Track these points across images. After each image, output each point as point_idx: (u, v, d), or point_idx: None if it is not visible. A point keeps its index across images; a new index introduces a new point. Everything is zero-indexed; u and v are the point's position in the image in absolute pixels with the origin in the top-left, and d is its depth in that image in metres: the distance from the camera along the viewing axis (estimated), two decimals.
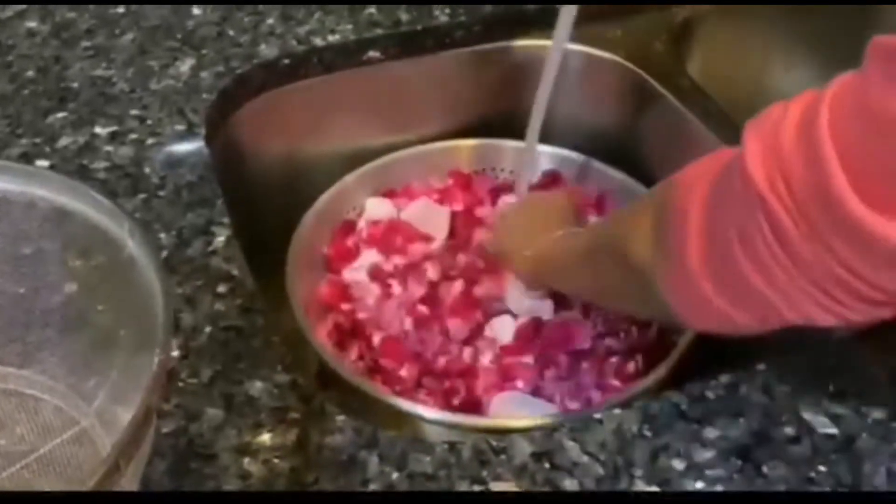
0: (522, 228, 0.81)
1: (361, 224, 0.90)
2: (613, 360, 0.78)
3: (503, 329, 0.80)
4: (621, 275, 0.60)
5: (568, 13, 0.74)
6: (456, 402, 0.75)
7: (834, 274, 0.43)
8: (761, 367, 0.62)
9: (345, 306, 0.83)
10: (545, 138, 0.88)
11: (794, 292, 0.45)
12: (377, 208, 0.91)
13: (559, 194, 0.89)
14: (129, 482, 0.48)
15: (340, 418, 0.58)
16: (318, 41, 0.91)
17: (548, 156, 0.93)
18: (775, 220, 0.43)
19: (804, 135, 0.42)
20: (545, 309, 0.81)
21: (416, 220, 0.90)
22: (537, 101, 0.79)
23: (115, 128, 0.80)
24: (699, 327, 0.54)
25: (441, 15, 0.94)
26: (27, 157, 0.77)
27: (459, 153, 0.95)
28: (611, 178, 0.92)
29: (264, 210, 0.89)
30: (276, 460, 0.56)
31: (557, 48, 0.77)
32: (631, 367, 0.77)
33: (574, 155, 0.94)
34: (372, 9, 0.94)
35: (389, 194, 0.92)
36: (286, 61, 0.89)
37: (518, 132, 0.96)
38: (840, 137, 0.41)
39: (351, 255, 0.87)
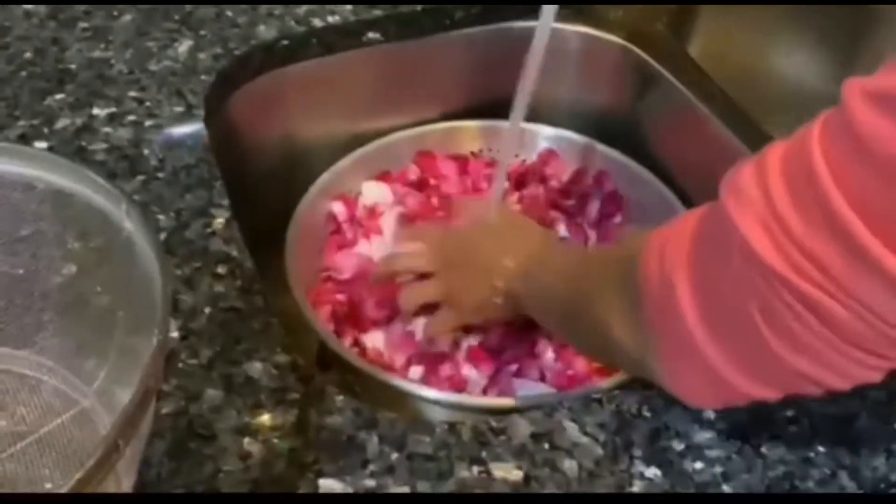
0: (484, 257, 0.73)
1: (359, 209, 0.90)
2: None
3: None
4: (605, 346, 0.56)
5: (548, 13, 0.74)
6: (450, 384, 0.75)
7: (879, 331, 0.40)
8: None
9: (341, 296, 0.83)
10: (545, 119, 0.88)
11: (838, 359, 0.42)
12: (373, 192, 0.91)
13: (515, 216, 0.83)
14: (128, 463, 0.48)
15: (340, 399, 0.58)
16: (317, 22, 0.90)
17: (546, 136, 0.93)
18: (807, 298, 0.40)
19: (798, 183, 0.39)
20: None
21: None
22: (519, 92, 0.78)
23: (113, 109, 0.80)
24: (704, 406, 0.52)
25: None
26: (25, 139, 0.76)
27: (458, 135, 0.95)
28: (610, 158, 0.92)
29: (263, 192, 0.88)
30: (275, 440, 0.56)
31: (538, 46, 0.76)
32: None
33: (573, 135, 0.94)
34: None
35: (386, 177, 0.92)
36: (285, 42, 0.89)
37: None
38: (841, 181, 0.38)
39: (347, 241, 0.87)
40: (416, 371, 0.76)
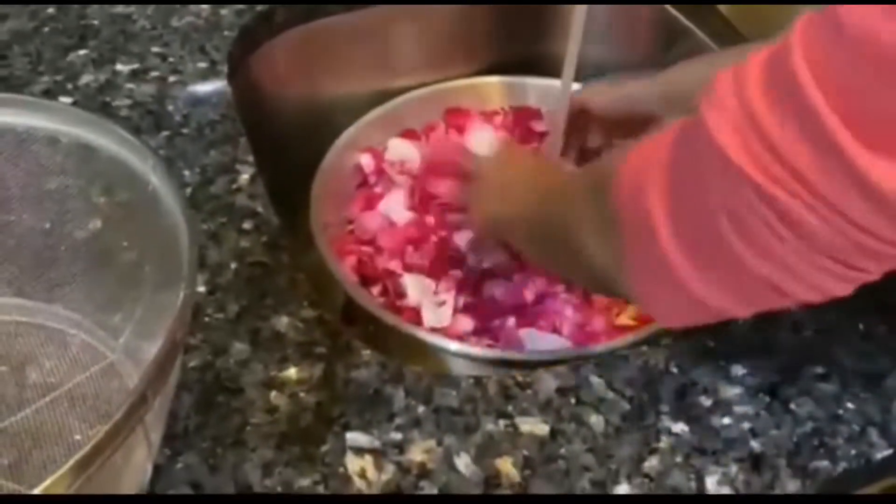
0: (501, 186, 0.72)
1: (384, 165, 0.89)
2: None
3: None
4: (578, 265, 0.54)
5: (581, 13, 0.73)
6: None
7: (852, 240, 0.38)
8: None
9: (367, 248, 0.83)
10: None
11: (807, 269, 0.40)
12: (399, 150, 0.91)
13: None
14: (156, 415, 0.48)
15: (366, 353, 0.58)
16: None
17: (576, 93, 0.92)
18: (778, 204, 0.38)
19: (777, 85, 0.38)
20: None
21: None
22: (569, 52, 0.77)
23: (136, 65, 0.80)
24: (673, 324, 0.49)
25: None
26: (49, 95, 0.76)
27: (485, 91, 0.94)
28: None
29: (286, 148, 0.88)
30: (302, 394, 0.56)
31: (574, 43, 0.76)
32: None
33: None
34: None
35: (410, 134, 0.91)
36: None
37: (542, 70, 0.94)
38: (822, 79, 0.36)
39: (373, 194, 0.87)
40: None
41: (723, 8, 0.92)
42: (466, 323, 0.76)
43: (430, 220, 0.84)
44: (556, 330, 0.76)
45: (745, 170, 0.38)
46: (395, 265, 0.80)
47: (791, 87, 0.37)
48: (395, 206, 0.86)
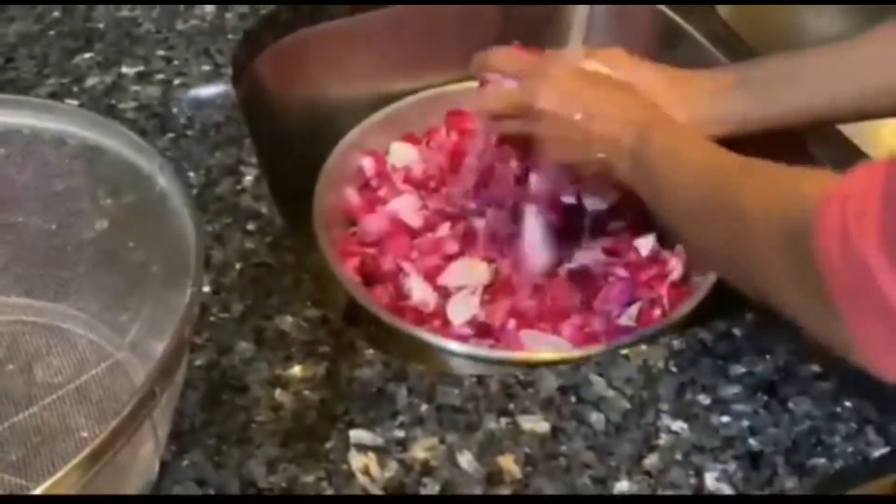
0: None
1: (387, 166, 0.90)
2: (636, 304, 0.78)
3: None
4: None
5: (582, 13, 0.73)
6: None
7: None
8: None
9: (369, 250, 0.83)
10: None
11: None
12: (401, 153, 0.91)
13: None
14: (163, 410, 0.49)
15: (369, 352, 0.59)
16: None
17: None
18: None
19: None
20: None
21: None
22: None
23: (141, 68, 0.81)
24: None
25: None
26: (55, 97, 0.77)
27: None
28: None
29: (290, 150, 0.89)
30: (306, 392, 0.57)
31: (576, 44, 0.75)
32: (657, 312, 0.77)
33: None
34: None
35: (411, 138, 0.92)
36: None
37: None
38: None
39: (375, 198, 0.87)
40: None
41: (721, 9, 0.93)
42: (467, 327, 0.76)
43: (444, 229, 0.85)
44: (555, 332, 0.76)
45: None
46: (403, 265, 0.80)
47: None
48: (407, 210, 0.87)
